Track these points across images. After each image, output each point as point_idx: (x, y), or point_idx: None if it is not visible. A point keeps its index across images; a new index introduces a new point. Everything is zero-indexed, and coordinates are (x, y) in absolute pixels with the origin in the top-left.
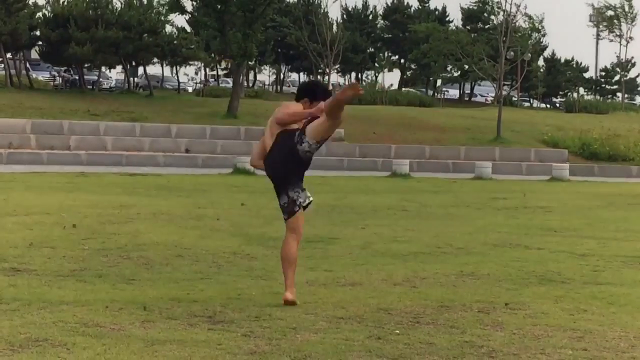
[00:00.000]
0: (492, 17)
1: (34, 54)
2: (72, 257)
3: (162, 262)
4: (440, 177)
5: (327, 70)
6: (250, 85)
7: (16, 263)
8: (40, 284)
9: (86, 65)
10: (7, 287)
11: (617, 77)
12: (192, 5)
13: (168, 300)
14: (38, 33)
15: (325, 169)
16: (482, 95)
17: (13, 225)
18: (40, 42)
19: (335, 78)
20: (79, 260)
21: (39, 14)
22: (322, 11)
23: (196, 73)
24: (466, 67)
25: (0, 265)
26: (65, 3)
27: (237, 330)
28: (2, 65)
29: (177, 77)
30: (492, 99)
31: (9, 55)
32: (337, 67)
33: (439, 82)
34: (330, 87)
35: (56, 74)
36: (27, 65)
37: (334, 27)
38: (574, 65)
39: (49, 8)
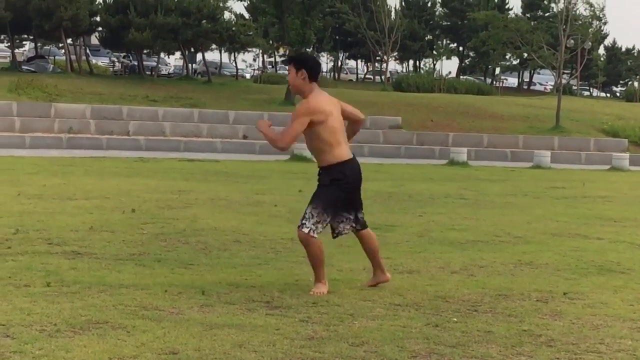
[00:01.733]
0: (552, 4)
1: (94, 40)
2: (131, 242)
3: (220, 247)
4: (498, 166)
5: (385, 58)
6: None
7: (77, 246)
8: (100, 267)
9: (145, 51)
10: (68, 269)
11: None
12: None
13: (226, 285)
14: (98, 19)
15: (382, 157)
16: (541, 84)
17: (73, 209)
18: (100, 28)
19: (393, 65)
20: (138, 245)
21: (99, 0)
22: None
23: (254, 60)
24: (525, 55)
25: (61, 249)
26: None
27: (294, 315)
28: (63, 51)
29: (235, 63)
30: (551, 87)
31: (69, 41)
32: (395, 54)
33: (497, 70)
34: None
35: (115, 60)
36: (87, 51)
37: (393, 14)
38: (635, 54)
39: None
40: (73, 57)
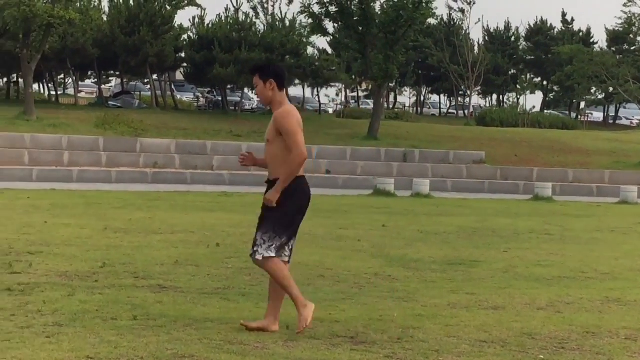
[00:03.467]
0: (639, 38)
1: (179, 76)
2: (216, 276)
3: (304, 282)
4: (583, 201)
5: (468, 92)
6: (391, 106)
7: (162, 280)
8: (186, 301)
9: (229, 86)
10: (154, 303)
11: None
12: (334, 27)
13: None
14: (183, 55)
15: (466, 192)
16: (627, 118)
17: (159, 243)
18: (185, 64)
19: (476, 100)
20: (223, 279)
21: (184, 37)
22: (464, 33)
23: (337, 94)
24: (611, 89)
25: (147, 282)
26: (210, 25)
27: (379, 351)
28: (149, 87)
29: (318, 98)
30: (637, 122)
31: (155, 76)
32: (478, 88)
33: (582, 104)
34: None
35: (200, 95)
36: (172, 86)
37: (476, 48)
38: None
39: (194, 30)
40: (158, 92)
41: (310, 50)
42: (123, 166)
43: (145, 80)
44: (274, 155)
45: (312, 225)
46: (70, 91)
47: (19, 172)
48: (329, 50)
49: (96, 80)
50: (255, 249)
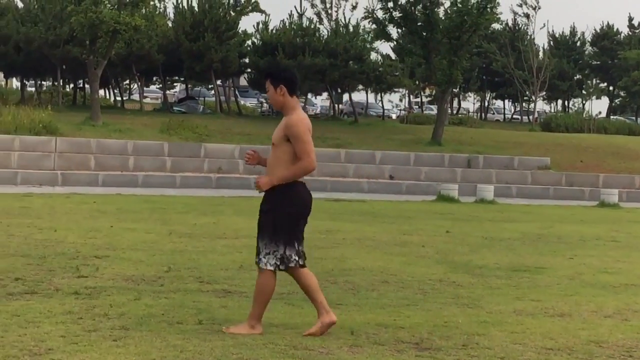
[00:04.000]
0: None
1: (243, 81)
2: (280, 281)
3: (368, 287)
4: None
5: (533, 98)
6: (455, 112)
7: (227, 285)
8: (249, 305)
9: None
10: (219, 308)
11: None
12: (398, 32)
13: (375, 325)
14: (247, 60)
15: (530, 198)
16: None
17: (223, 248)
18: (249, 70)
19: (541, 105)
20: (287, 284)
21: (248, 42)
22: (528, 38)
23: (400, 100)
24: None
25: (212, 287)
26: (274, 31)
27: (444, 357)
28: (213, 92)
29: (382, 103)
30: None
31: (219, 82)
32: (543, 94)
33: None
34: None
35: (263, 101)
36: (236, 92)
37: (541, 53)
38: None
39: (258, 36)
40: (222, 98)
41: (373, 55)
42: (187, 171)
43: (209, 86)
44: (277, 159)
45: (375, 230)
46: (135, 97)
47: (85, 177)
48: (393, 56)
49: (161, 86)
50: (259, 257)
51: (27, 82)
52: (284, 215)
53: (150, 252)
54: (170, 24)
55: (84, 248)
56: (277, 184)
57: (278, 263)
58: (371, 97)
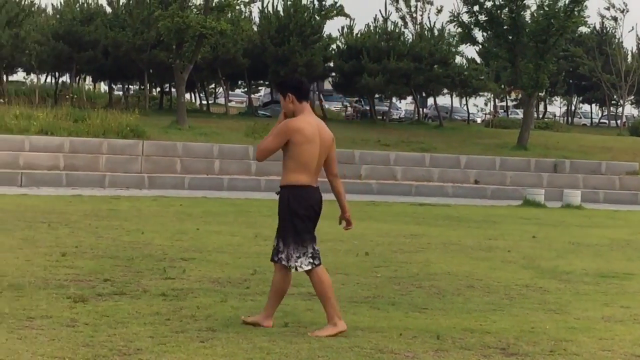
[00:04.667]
0: None
1: (327, 85)
2: (365, 284)
3: (454, 292)
4: None
5: (621, 102)
6: (541, 116)
7: (311, 288)
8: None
9: (377, 95)
10: (304, 311)
11: None
12: (483, 36)
13: (460, 330)
14: (332, 64)
15: (618, 203)
16: None
17: None
18: (333, 73)
19: (629, 109)
20: (372, 288)
21: (333, 46)
22: (616, 41)
23: (485, 104)
24: None
25: (297, 290)
26: (359, 35)
27: None
28: None
29: (467, 107)
30: None
31: None
32: (631, 98)
33: None
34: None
35: (348, 105)
36: (320, 96)
37: (629, 57)
38: None
39: (342, 40)
40: None
41: (458, 59)
42: (272, 175)
43: None
44: (283, 162)
45: (460, 235)
46: (220, 100)
47: (171, 180)
48: (478, 59)
49: (245, 89)
50: (278, 255)
51: (114, 86)
52: (289, 217)
53: (236, 254)
54: (255, 29)
55: (171, 250)
56: (287, 188)
57: (312, 260)
58: (456, 101)
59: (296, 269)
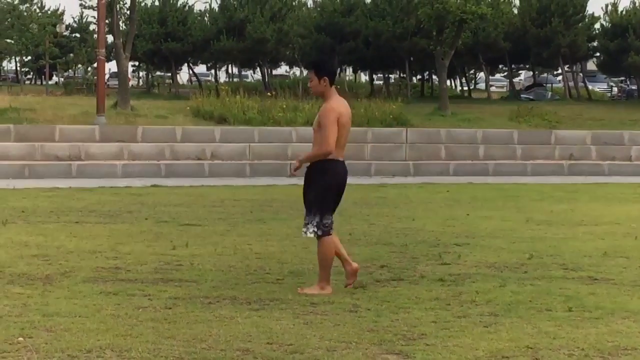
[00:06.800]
0: None
1: (590, 66)
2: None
3: None
4: None
5: None
6: None
7: (592, 272)
8: (620, 293)
9: None
10: (587, 295)
11: None
12: None
13: None
14: (595, 44)
15: None
16: None
17: (583, 234)
18: (597, 54)
19: None
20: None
21: (597, 25)
22: None
23: None
24: None
25: (576, 274)
26: (624, 12)
27: None
28: (559, 78)
29: None
30: None
31: (566, 67)
32: None
33: None
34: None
35: (613, 85)
36: (584, 77)
37: None
38: None
39: (607, 18)
40: (571, 83)
41: None
42: (538, 159)
43: (555, 72)
44: (315, 143)
45: None
46: (480, 86)
47: (436, 167)
48: None
49: (505, 74)
50: (304, 229)
51: (374, 76)
52: (319, 187)
53: (510, 239)
54: (515, 11)
55: (443, 236)
56: (314, 165)
57: (316, 230)
58: None
59: (305, 234)
